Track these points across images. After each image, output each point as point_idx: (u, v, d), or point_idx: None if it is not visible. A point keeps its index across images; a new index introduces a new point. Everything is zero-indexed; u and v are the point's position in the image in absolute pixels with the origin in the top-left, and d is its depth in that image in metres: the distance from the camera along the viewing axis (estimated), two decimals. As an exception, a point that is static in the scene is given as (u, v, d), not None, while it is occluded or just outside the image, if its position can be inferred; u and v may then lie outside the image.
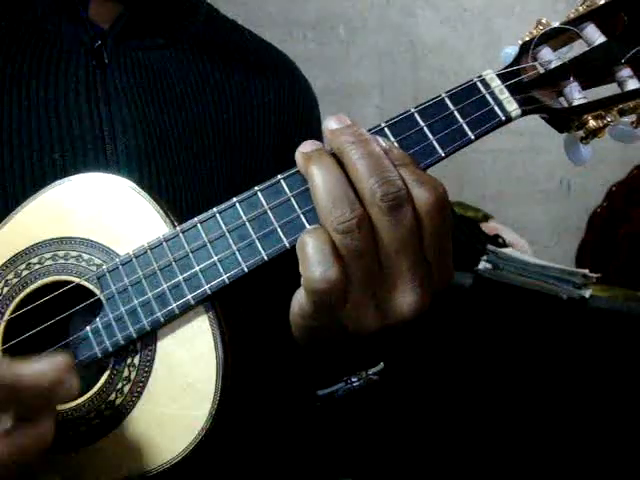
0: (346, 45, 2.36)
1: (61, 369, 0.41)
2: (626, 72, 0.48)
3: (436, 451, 1.55)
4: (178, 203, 0.62)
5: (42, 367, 0.40)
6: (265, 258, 0.48)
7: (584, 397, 1.48)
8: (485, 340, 1.57)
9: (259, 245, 0.48)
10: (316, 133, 0.79)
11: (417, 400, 1.55)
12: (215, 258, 0.49)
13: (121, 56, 0.64)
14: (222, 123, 0.68)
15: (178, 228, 0.50)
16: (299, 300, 0.48)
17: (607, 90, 0.49)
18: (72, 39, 0.64)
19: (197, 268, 0.49)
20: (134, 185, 0.52)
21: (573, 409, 1.49)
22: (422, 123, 0.48)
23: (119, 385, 0.50)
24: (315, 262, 0.44)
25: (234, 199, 0.49)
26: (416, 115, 0.48)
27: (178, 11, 0.69)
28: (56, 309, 0.51)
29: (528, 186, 2.24)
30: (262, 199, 0.49)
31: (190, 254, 0.49)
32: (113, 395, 0.50)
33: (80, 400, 0.51)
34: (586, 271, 1.58)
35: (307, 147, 0.48)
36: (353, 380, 0.57)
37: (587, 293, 1.55)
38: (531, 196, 2.25)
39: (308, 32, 2.35)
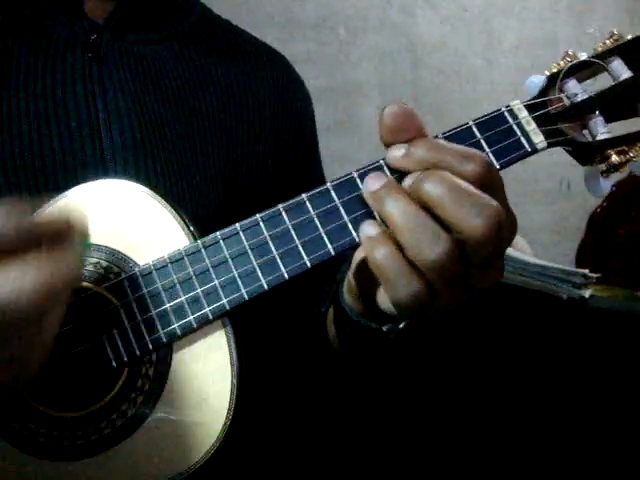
0: (346, 45, 2.35)
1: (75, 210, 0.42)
2: None
3: (436, 451, 1.55)
4: (174, 195, 0.63)
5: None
6: (286, 276, 0.48)
7: (584, 397, 1.48)
8: (485, 340, 1.57)
9: (280, 262, 0.48)
10: (309, 129, 0.79)
11: (417, 400, 1.55)
12: (235, 273, 0.49)
13: (117, 50, 0.65)
14: (217, 115, 0.68)
15: (199, 242, 0.50)
16: (386, 306, 0.47)
17: (631, 124, 0.49)
18: (69, 33, 0.64)
19: (217, 282, 0.49)
20: (154, 194, 0.52)
21: (573, 409, 1.49)
22: None
23: (132, 395, 0.50)
24: (399, 285, 0.42)
25: (257, 216, 0.49)
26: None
27: (172, 8, 0.70)
28: (72, 315, 0.51)
29: (528, 186, 2.23)
30: (285, 217, 0.48)
31: (210, 268, 0.49)
32: (126, 405, 0.50)
33: (92, 408, 0.50)
34: (586, 271, 1.58)
35: (375, 185, 0.45)
36: None
37: (587, 293, 1.55)
38: (531, 196, 2.24)
39: (308, 32, 2.34)
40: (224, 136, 0.68)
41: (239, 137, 0.69)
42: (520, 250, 1.79)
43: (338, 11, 2.35)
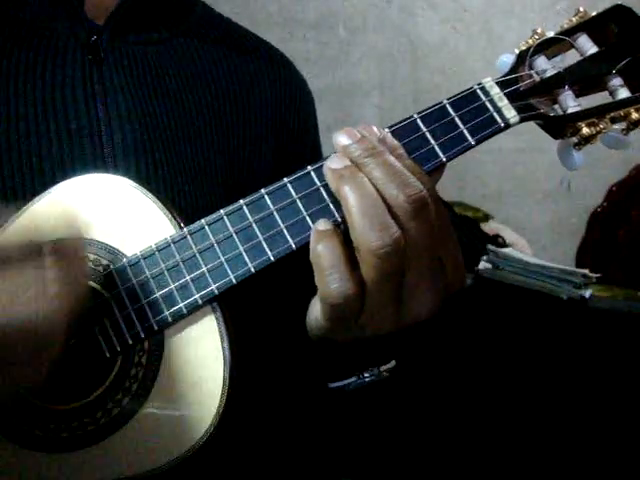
0: (346, 45, 2.35)
1: None
2: (617, 81, 0.49)
3: (436, 451, 1.55)
4: (176, 196, 0.63)
5: None
6: (271, 258, 0.49)
7: (584, 397, 1.48)
8: (485, 340, 1.57)
9: (265, 246, 0.49)
10: (311, 127, 0.79)
11: (417, 400, 1.55)
12: (222, 258, 0.50)
13: (117, 51, 0.65)
14: (219, 115, 0.68)
15: (185, 230, 0.51)
16: (315, 310, 0.48)
17: (601, 97, 0.50)
18: (68, 34, 0.64)
19: (204, 268, 0.50)
20: (138, 186, 0.53)
21: (573, 409, 1.49)
22: (424, 128, 0.49)
23: (127, 384, 0.51)
24: (331, 278, 0.44)
25: (241, 201, 0.50)
26: (418, 120, 0.49)
27: (173, 7, 0.70)
28: None
29: (528, 186, 2.24)
30: (268, 201, 0.49)
31: (197, 254, 0.50)
32: (120, 394, 0.51)
33: (88, 399, 0.51)
34: (586, 271, 1.58)
35: (336, 163, 0.46)
36: (365, 375, 0.57)
37: (587, 293, 1.55)
38: (531, 196, 2.25)
39: (308, 32, 2.35)
40: (225, 136, 0.68)
41: (240, 136, 0.69)
42: (520, 250, 1.79)
43: (338, 11, 2.35)
